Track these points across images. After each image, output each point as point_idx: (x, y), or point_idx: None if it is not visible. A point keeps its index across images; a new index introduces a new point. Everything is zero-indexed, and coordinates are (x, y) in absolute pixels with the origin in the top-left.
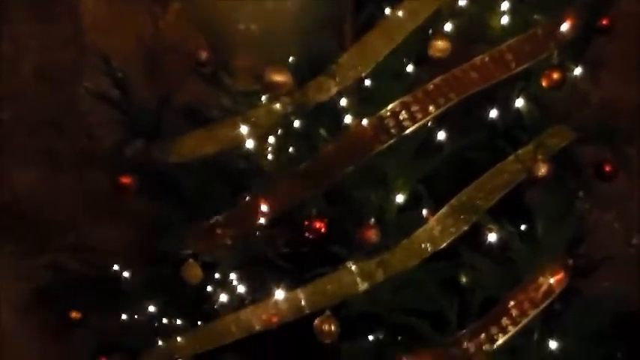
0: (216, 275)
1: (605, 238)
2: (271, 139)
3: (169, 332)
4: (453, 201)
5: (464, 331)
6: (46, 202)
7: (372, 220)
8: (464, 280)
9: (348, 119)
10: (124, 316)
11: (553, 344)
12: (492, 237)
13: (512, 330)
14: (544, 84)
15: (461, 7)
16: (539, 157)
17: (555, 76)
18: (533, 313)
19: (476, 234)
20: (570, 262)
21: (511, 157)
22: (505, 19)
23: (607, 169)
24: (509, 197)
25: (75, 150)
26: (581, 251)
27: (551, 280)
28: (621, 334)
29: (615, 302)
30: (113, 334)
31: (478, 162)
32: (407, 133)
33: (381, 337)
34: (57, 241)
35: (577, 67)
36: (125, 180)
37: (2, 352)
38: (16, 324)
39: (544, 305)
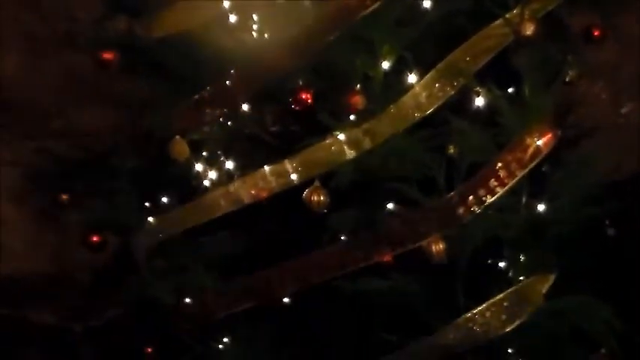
0: (204, 153)
1: (595, 107)
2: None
3: (159, 210)
4: (440, 65)
5: (452, 193)
6: (31, 87)
7: (358, 86)
8: (452, 147)
9: None
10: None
11: (541, 206)
12: (480, 101)
13: (500, 191)
14: None
15: None
16: (527, 16)
17: None
18: (520, 174)
19: (463, 101)
20: (559, 132)
21: (498, 21)
22: None
23: (595, 33)
24: (497, 62)
25: (57, 33)
26: (570, 121)
27: (539, 142)
28: (610, 200)
29: (604, 170)
30: (104, 213)
31: (465, 28)
32: None
33: (371, 205)
34: (44, 126)
35: None
36: (107, 56)
37: None
38: (9, 208)
39: (532, 166)
